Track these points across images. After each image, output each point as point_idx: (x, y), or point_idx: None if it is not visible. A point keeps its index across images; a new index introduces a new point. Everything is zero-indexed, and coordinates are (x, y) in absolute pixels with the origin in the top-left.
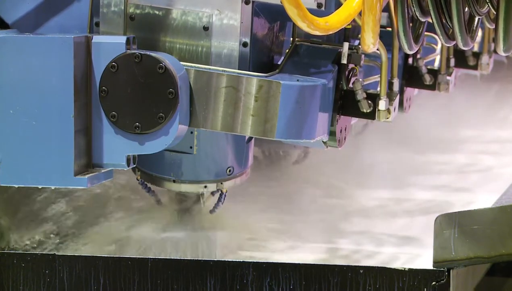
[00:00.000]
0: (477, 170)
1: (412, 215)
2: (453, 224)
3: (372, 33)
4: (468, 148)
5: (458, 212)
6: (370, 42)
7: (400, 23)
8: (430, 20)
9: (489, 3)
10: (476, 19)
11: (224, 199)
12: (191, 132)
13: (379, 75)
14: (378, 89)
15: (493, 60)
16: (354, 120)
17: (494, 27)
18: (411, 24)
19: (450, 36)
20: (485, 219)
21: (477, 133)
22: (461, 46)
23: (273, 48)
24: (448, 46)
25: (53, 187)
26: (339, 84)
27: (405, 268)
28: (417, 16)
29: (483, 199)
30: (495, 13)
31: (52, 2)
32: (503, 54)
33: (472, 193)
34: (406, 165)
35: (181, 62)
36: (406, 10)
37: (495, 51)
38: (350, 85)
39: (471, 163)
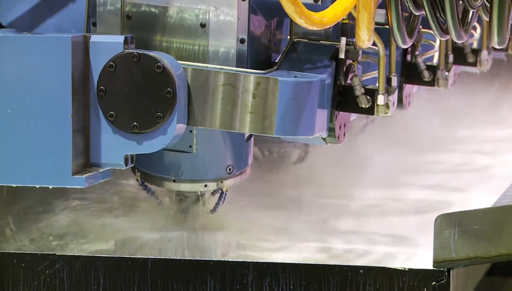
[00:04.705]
0: (472, 170)
1: (405, 214)
2: (453, 224)
3: (367, 30)
4: (463, 147)
5: (458, 212)
6: (365, 39)
7: (394, 17)
8: (424, 14)
9: None
10: (471, 12)
11: (224, 198)
12: (190, 131)
13: (377, 71)
14: (377, 84)
15: (493, 58)
16: (354, 116)
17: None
18: (405, 22)
19: (444, 30)
20: (485, 219)
21: (473, 132)
22: (455, 39)
23: (271, 46)
24: (446, 42)
25: (51, 187)
26: (337, 80)
27: (405, 268)
28: (410, 10)
29: (478, 199)
30: (488, 6)
31: (47, 3)
32: (497, 46)
33: (466, 193)
34: (402, 164)
35: (179, 61)
36: (399, 4)
37: (494, 48)
38: (348, 81)
39: (466, 162)
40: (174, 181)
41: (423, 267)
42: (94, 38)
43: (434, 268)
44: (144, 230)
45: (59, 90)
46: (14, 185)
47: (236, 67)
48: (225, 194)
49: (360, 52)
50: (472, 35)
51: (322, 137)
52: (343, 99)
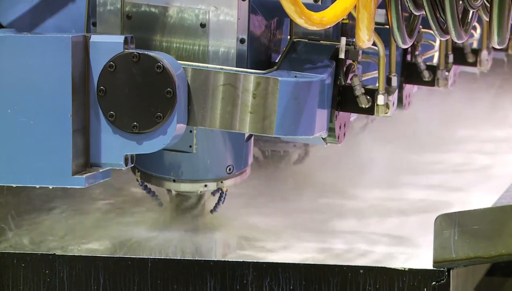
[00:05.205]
0: (472, 170)
1: (405, 214)
2: (453, 224)
3: (367, 30)
4: (463, 147)
5: (458, 211)
6: (365, 39)
7: (394, 17)
8: (424, 14)
9: None
10: (471, 12)
11: (224, 198)
12: (190, 131)
13: (377, 71)
14: (377, 84)
15: (493, 58)
16: (354, 116)
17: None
18: (405, 22)
19: (444, 30)
20: (485, 219)
21: (473, 132)
22: (455, 39)
23: (271, 46)
24: (446, 42)
25: (50, 187)
26: (337, 80)
27: (405, 268)
28: (410, 10)
29: (478, 199)
30: (488, 6)
31: (47, 3)
32: (497, 46)
33: (466, 193)
34: (402, 164)
35: (179, 61)
36: (399, 4)
37: (494, 48)
38: (348, 81)
39: (466, 162)
40: (174, 181)
41: (423, 267)
42: (94, 38)
43: (434, 268)
44: (144, 230)
45: (59, 90)
46: (14, 185)
47: (236, 67)
48: (225, 194)
49: (360, 52)
50: (472, 35)
51: (322, 137)
52: (343, 99)
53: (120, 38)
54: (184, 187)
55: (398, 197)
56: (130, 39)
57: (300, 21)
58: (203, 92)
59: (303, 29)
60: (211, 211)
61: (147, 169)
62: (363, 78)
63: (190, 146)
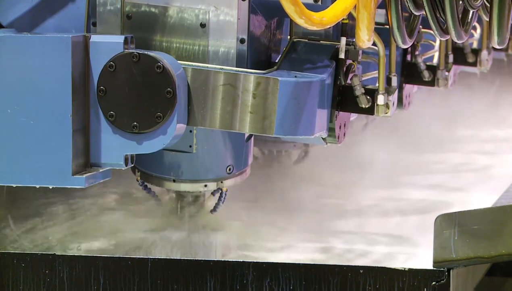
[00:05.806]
0: (472, 170)
1: (405, 214)
2: (453, 224)
3: (367, 30)
4: (463, 147)
5: (458, 211)
6: (365, 39)
7: (394, 17)
8: (424, 14)
9: None
10: (471, 12)
11: (224, 198)
12: (190, 131)
13: (377, 71)
14: (377, 84)
15: (493, 58)
16: (354, 116)
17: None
18: (405, 22)
19: (444, 30)
20: (485, 219)
21: (473, 132)
22: (455, 39)
23: (271, 46)
24: (446, 42)
25: (50, 187)
26: (337, 80)
27: (405, 268)
28: (410, 10)
29: (478, 199)
30: (488, 6)
31: (47, 3)
32: (497, 46)
33: (466, 193)
34: (402, 164)
35: (179, 61)
36: (399, 4)
37: (494, 48)
38: (348, 81)
39: (466, 162)
40: (174, 181)
41: (423, 267)
42: (94, 38)
43: (434, 268)
44: (144, 230)
45: (59, 90)
46: (14, 185)
47: (236, 67)
48: (225, 194)
49: (360, 52)
50: (472, 35)
51: (322, 137)
52: (343, 99)
53: (120, 38)
54: (184, 187)
55: (398, 197)
56: (130, 39)
57: (300, 21)
58: (203, 92)
59: (303, 29)
60: (211, 211)
61: (147, 169)
62: (363, 78)
63: (190, 146)
